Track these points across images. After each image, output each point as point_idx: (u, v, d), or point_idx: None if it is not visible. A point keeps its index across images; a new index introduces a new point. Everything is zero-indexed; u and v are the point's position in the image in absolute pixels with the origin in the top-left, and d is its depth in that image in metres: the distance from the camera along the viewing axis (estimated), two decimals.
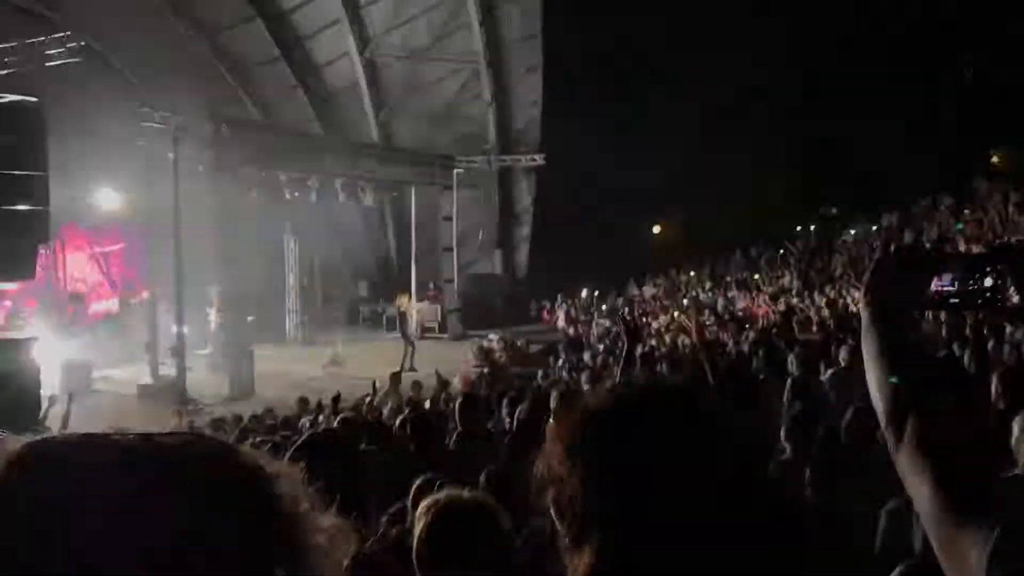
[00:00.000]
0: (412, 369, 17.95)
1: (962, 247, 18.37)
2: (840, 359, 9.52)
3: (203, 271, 18.66)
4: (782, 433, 5.11)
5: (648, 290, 28.32)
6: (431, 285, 24.52)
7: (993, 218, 22.78)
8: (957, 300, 1.46)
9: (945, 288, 1.42)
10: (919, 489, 1.29)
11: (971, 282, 1.42)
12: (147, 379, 17.21)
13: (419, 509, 2.49)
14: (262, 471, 0.80)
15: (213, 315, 19.50)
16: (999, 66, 25.66)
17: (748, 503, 1.13)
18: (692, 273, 29.66)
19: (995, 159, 29.04)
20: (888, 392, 1.40)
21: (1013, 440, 3.37)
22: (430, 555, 2.37)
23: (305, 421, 10.85)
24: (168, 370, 17.19)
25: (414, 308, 21.76)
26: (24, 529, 0.71)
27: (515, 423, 6.73)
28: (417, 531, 2.41)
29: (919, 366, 1.41)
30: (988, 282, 1.36)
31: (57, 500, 0.72)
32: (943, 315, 10.18)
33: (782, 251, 29.45)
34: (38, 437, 0.77)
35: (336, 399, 10.74)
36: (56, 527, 0.71)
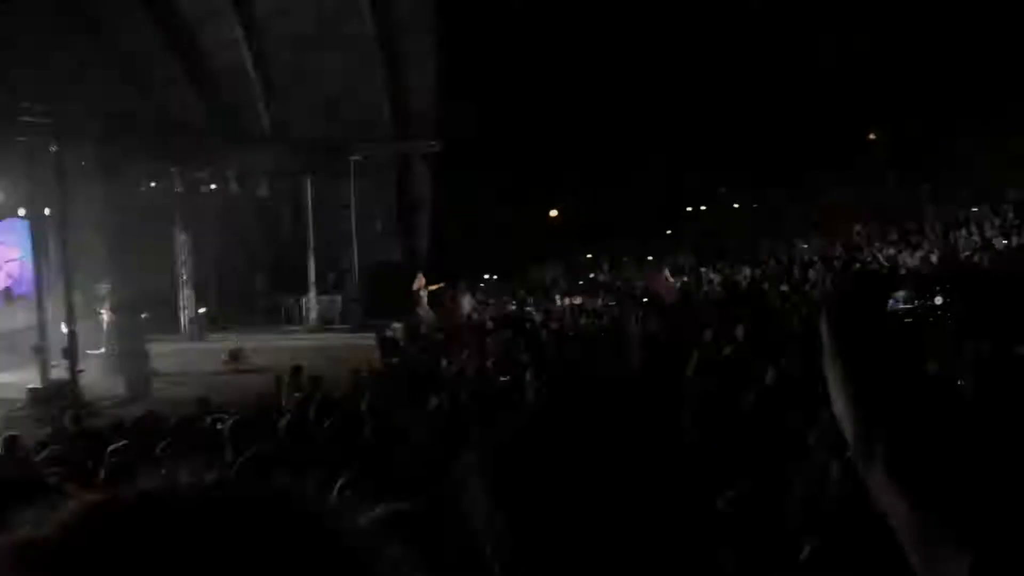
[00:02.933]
0: None
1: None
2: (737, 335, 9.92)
3: (94, 269, 18.05)
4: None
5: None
6: (330, 276, 24.22)
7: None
8: (911, 319, 1.54)
9: (900, 308, 1.50)
10: (895, 510, 1.31)
11: (923, 301, 1.50)
12: (37, 383, 16.53)
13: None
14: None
15: (105, 314, 18.85)
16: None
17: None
18: (589, 256, 30.11)
19: (872, 135, 30.25)
20: (854, 412, 1.41)
21: None
22: None
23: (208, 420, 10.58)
24: (60, 372, 16.55)
25: (425, 289, 22.15)
26: None
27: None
28: None
29: (891, 387, 1.42)
30: (939, 300, 1.45)
31: None
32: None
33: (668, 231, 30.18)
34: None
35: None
36: None
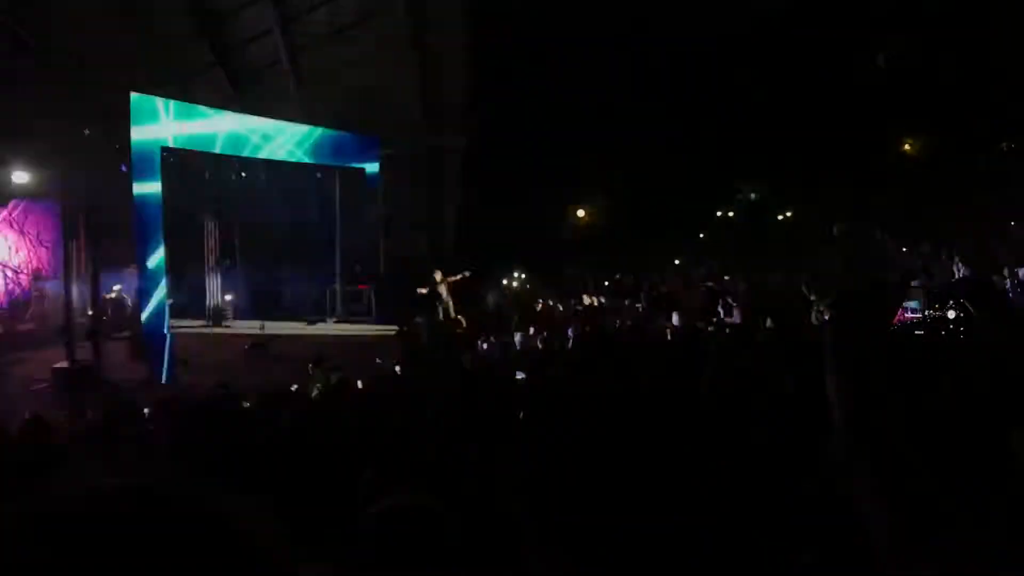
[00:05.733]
0: None
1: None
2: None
3: (121, 252, 18.20)
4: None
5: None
6: (355, 268, 24.24)
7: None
8: (922, 331, 1.49)
9: (912, 318, 1.45)
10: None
11: (935, 313, 1.45)
12: (62, 363, 16.69)
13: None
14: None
15: (129, 298, 19.04)
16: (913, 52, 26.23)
17: None
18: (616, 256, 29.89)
19: (907, 146, 29.87)
20: (842, 422, 1.49)
21: None
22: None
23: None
24: (85, 354, 16.70)
25: (444, 284, 22.65)
26: None
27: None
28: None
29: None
30: (951, 314, 1.40)
31: None
32: None
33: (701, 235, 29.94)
34: None
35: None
36: None
